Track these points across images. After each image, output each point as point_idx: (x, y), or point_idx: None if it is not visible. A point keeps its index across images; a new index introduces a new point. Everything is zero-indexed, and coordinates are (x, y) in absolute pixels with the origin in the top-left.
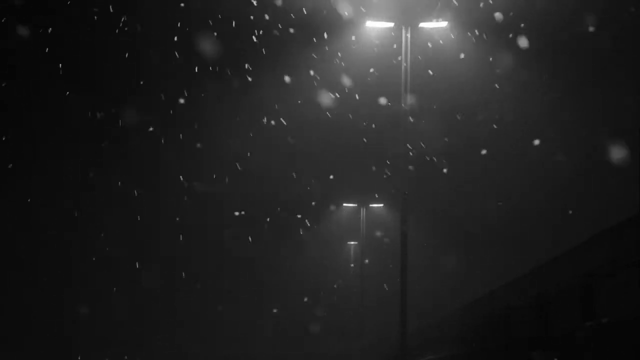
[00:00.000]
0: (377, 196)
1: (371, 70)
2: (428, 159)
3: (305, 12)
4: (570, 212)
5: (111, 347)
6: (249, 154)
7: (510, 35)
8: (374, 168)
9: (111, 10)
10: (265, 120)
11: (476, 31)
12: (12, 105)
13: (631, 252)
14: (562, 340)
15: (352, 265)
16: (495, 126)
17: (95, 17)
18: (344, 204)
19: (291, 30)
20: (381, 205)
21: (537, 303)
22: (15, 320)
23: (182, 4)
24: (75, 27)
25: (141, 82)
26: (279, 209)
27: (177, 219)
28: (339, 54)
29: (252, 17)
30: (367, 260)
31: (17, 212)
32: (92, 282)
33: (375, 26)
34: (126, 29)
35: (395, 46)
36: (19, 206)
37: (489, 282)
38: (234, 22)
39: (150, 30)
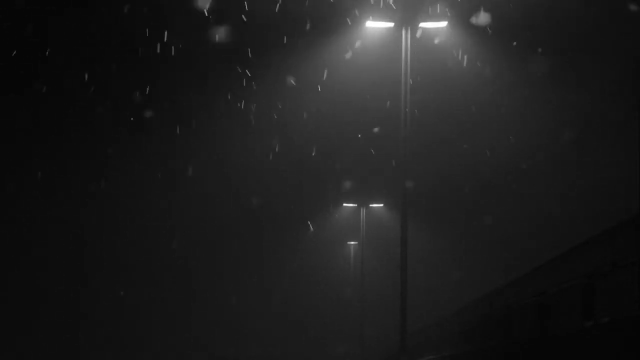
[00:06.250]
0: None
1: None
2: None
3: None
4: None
5: (114, 349)
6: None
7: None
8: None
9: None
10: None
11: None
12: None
13: (631, 252)
14: (562, 340)
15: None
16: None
17: None
18: (344, 204)
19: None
20: (381, 205)
21: (537, 303)
22: (15, 320)
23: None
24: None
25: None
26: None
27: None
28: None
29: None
30: None
31: (17, 211)
32: (95, 282)
33: (375, 26)
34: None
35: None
36: (19, 206)
37: (489, 282)
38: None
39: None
